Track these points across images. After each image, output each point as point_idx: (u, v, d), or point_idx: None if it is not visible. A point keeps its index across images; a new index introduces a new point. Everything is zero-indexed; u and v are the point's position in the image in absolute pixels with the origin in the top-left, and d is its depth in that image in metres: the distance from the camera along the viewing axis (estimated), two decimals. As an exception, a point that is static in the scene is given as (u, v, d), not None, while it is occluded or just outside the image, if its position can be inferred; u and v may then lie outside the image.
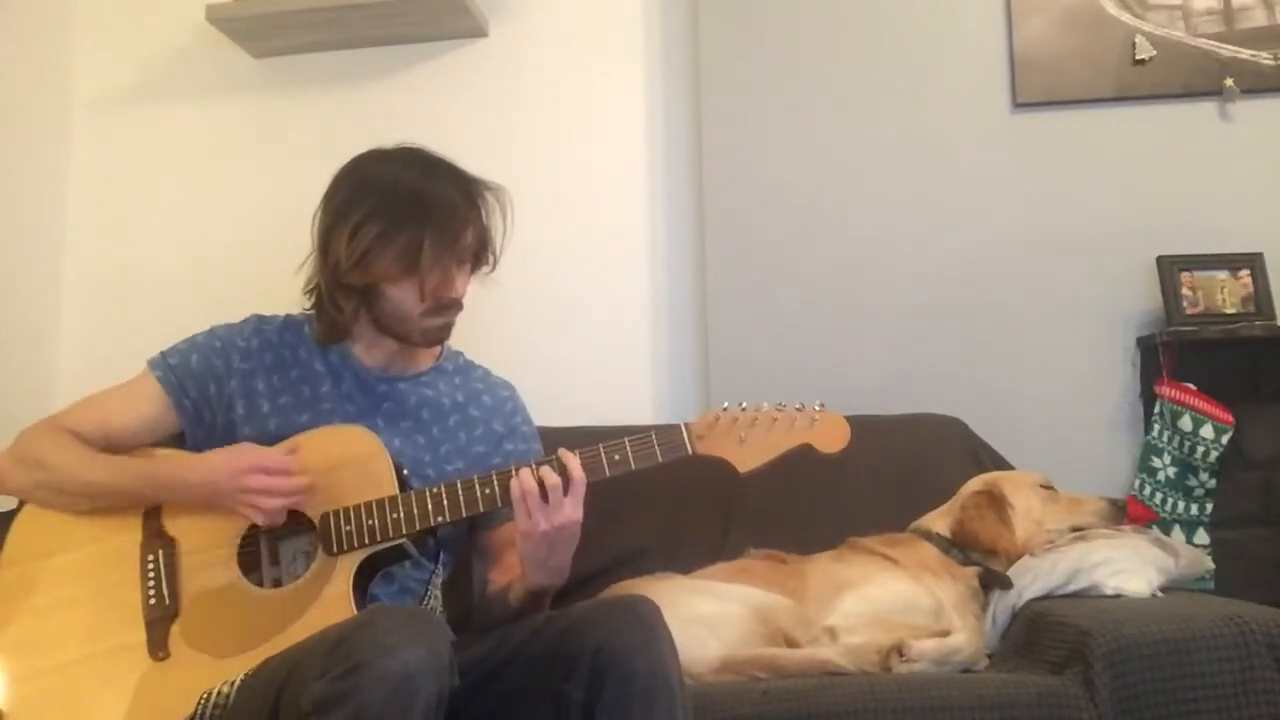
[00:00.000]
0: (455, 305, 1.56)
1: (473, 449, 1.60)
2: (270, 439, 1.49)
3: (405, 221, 1.47)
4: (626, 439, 1.40)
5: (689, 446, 1.41)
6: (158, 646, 1.36)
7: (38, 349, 2.47)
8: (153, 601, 1.38)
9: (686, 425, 1.42)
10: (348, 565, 1.38)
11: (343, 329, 1.55)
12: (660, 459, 1.40)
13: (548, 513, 1.35)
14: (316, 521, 1.40)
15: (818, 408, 1.42)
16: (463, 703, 1.17)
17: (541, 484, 1.35)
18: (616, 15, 2.47)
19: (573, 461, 1.37)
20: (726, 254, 2.33)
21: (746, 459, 1.40)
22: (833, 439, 1.41)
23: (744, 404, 1.42)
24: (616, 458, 1.39)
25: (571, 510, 1.36)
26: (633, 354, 2.38)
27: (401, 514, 1.39)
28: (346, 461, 1.43)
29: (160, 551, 1.41)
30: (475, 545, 1.61)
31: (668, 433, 1.41)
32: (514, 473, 1.38)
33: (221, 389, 1.52)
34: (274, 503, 1.37)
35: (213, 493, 1.39)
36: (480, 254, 1.59)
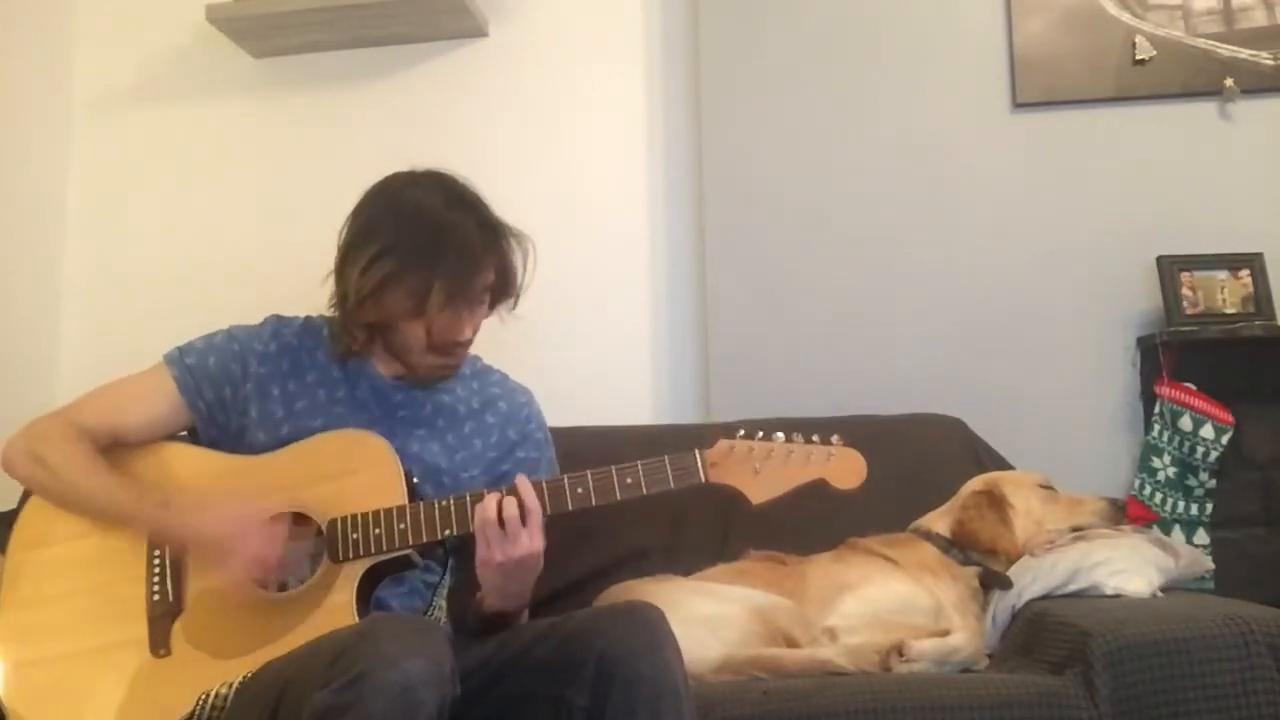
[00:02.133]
0: (462, 346, 1.54)
1: (486, 455, 1.59)
2: (283, 444, 1.49)
3: (417, 262, 1.45)
4: (640, 463, 1.38)
5: (702, 474, 1.39)
6: (159, 643, 1.36)
7: (38, 349, 2.47)
8: (156, 598, 1.38)
9: (700, 452, 1.40)
10: (352, 573, 1.37)
11: (357, 350, 1.55)
12: (673, 485, 1.38)
13: (504, 544, 1.33)
14: (324, 527, 1.39)
15: (835, 440, 1.41)
16: (465, 708, 1.16)
17: (500, 514, 1.33)
18: (616, 15, 2.48)
19: (528, 492, 1.35)
20: (726, 254, 2.32)
21: (760, 491, 1.39)
22: (848, 475, 1.41)
23: (760, 432, 1.41)
24: (629, 480, 1.38)
25: (529, 542, 1.34)
26: (633, 355, 2.38)
27: (409, 524, 1.38)
28: (357, 467, 1.43)
29: (167, 547, 1.41)
30: (467, 550, 1.61)
31: (681, 459, 1.39)
32: (481, 498, 1.36)
33: (237, 392, 1.52)
34: (239, 575, 1.34)
35: (197, 545, 1.36)
36: (501, 290, 1.57)
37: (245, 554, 1.34)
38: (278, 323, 1.60)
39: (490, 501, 1.35)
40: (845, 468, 1.41)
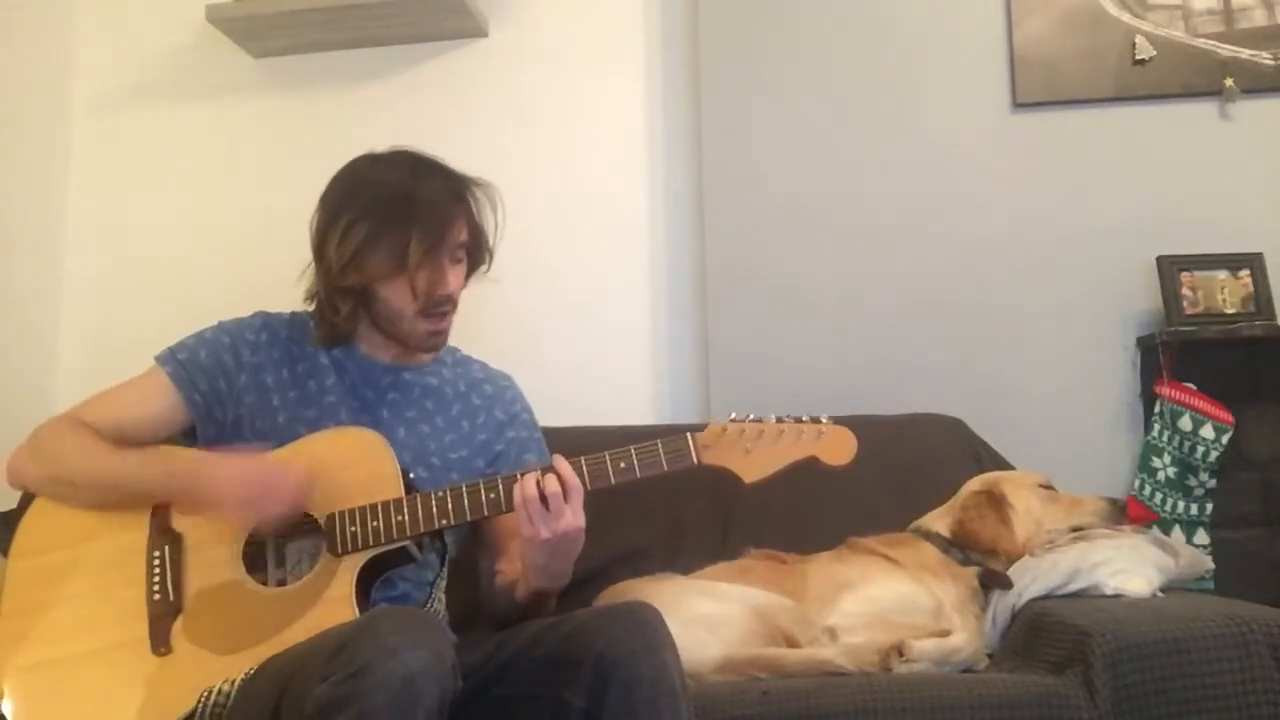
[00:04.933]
0: (448, 302, 1.56)
1: (476, 437, 1.61)
2: (279, 433, 1.50)
3: (393, 221, 1.49)
4: (633, 447, 1.40)
5: (694, 456, 1.41)
6: (160, 642, 1.36)
7: (38, 349, 2.47)
8: (157, 597, 1.39)
9: (692, 435, 1.42)
10: (351, 566, 1.38)
11: (342, 332, 1.57)
12: (665, 468, 1.40)
13: (549, 520, 1.35)
14: (322, 522, 1.40)
15: (824, 420, 1.42)
16: (463, 708, 1.16)
17: (542, 491, 1.35)
18: (616, 15, 2.48)
19: (567, 470, 1.37)
20: (726, 254, 2.32)
21: (751, 470, 1.40)
22: (838, 452, 1.41)
23: (750, 415, 1.42)
24: (622, 465, 1.40)
25: (572, 518, 1.36)
26: (633, 354, 2.38)
27: (406, 516, 1.39)
28: (354, 463, 1.44)
29: (166, 548, 1.42)
30: (479, 537, 1.62)
31: (674, 442, 1.41)
32: (517, 479, 1.38)
33: (231, 384, 1.54)
34: (251, 517, 1.38)
35: (216, 495, 1.39)
36: (474, 252, 1.60)
37: (286, 481, 1.37)
38: (266, 316, 1.62)
39: (529, 480, 1.37)
40: (835, 444, 1.41)
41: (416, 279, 1.50)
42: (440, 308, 1.55)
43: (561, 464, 1.38)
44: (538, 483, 1.36)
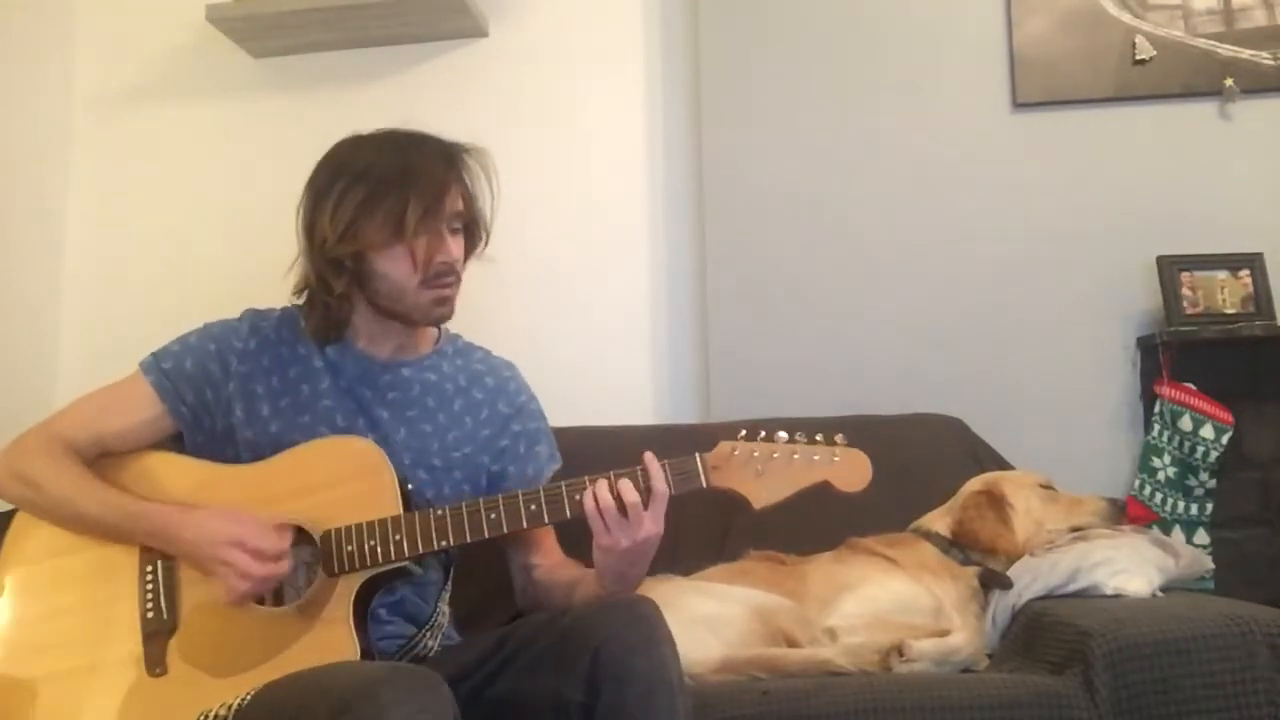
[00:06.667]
0: (450, 272, 1.50)
1: (480, 433, 1.56)
2: (272, 442, 1.46)
3: (388, 186, 1.44)
4: (638, 469, 1.34)
5: (703, 479, 1.35)
6: (155, 662, 1.33)
7: (38, 348, 2.47)
8: (150, 615, 1.35)
9: (702, 456, 1.35)
10: (349, 586, 1.34)
11: (336, 317, 1.51)
12: (673, 490, 1.34)
13: (628, 529, 1.30)
14: (318, 539, 1.36)
15: (839, 440, 1.36)
16: (464, 704, 1.15)
17: (620, 499, 1.30)
18: (616, 15, 2.48)
19: (657, 475, 1.32)
20: (726, 254, 2.32)
21: (762, 494, 1.34)
22: (853, 478, 1.35)
23: (761, 433, 1.36)
24: None
25: (651, 525, 1.31)
26: (633, 354, 2.38)
27: (404, 536, 1.34)
28: (350, 476, 1.39)
29: (159, 561, 1.38)
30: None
31: (682, 463, 1.35)
32: (587, 485, 1.32)
33: (219, 393, 1.49)
34: (243, 585, 1.31)
35: (194, 554, 1.35)
36: (472, 227, 1.55)
37: (241, 570, 1.31)
38: (255, 316, 1.56)
39: (603, 487, 1.31)
40: (850, 470, 1.35)
41: (416, 246, 1.44)
42: (444, 277, 1.49)
43: (651, 463, 1.32)
44: (615, 490, 1.30)
